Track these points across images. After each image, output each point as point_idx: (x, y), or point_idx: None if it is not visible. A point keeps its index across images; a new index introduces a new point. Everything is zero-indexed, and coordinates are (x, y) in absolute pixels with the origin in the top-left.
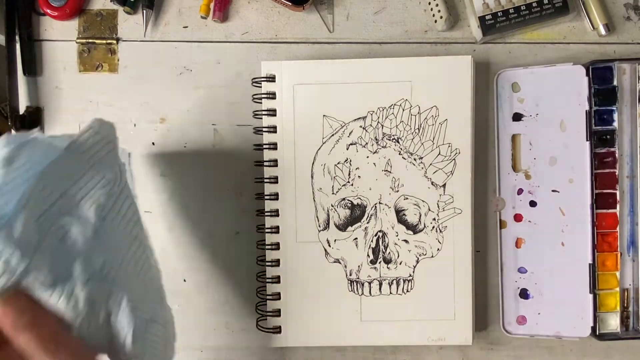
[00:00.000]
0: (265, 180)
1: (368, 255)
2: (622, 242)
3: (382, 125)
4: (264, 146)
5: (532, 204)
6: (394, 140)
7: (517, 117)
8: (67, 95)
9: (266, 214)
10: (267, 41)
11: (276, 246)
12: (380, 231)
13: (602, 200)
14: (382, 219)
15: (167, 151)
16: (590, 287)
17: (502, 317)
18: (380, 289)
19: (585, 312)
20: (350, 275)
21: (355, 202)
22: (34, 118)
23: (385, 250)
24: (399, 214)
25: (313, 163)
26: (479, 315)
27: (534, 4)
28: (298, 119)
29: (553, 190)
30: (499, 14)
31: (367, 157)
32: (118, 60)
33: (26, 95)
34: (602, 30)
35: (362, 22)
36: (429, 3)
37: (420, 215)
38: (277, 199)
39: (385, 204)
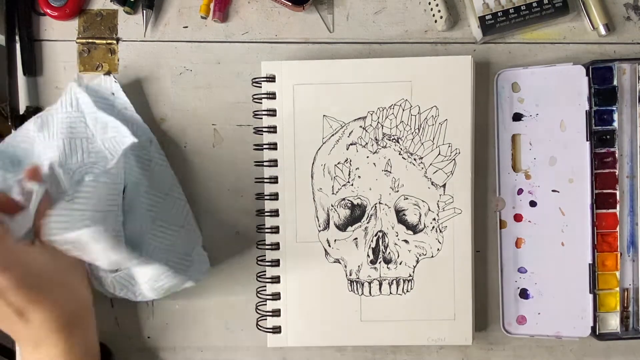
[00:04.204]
0: (265, 180)
1: (368, 255)
2: (622, 242)
3: (382, 126)
4: (264, 146)
5: (532, 204)
6: (394, 140)
7: (517, 117)
8: None
9: (266, 214)
10: (267, 41)
11: (276, 246)
12: (380, 231)
13: (602, 200)
14: (382, 219)
15: (167, 151)
16: (590, 287)
17: (502, 317)
18: (380, 289)
19: (585, 312)
20: (350, 275)
21: (355, 202)
22: None
23: (385, 250)
24: (399, 214)
25: (313, 163)
26: (479, 315)
27: (534, 4)
28: (298, 119)
29: (553, 190)
30: (499, 14)
31: (367, 157)
32: (118, 60)
33: (26, 95)
34: (602, 30)
35: (362, 22)
36: (429, 3)
37: (420, 215)
38: (277, 199)
39: (385, 204)
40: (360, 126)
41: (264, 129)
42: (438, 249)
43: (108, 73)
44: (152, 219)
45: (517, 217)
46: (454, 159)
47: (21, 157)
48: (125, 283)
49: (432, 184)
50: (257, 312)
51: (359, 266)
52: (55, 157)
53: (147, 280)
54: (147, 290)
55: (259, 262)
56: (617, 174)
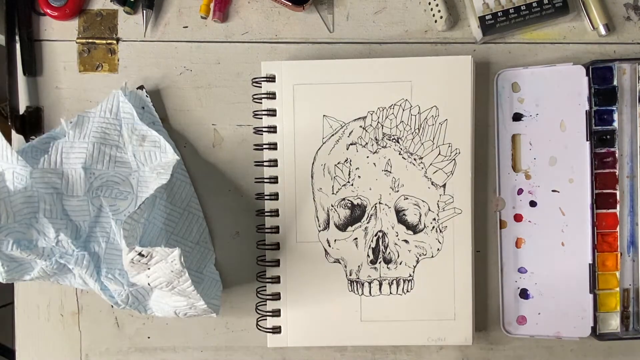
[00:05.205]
0: (265, 180)
1: (368, 255)
2: (622, 242)
3: (382, 125)
4: (264, 146)
5: (532, 204)
6: (394, 140)
7: (517, 117)
8: (67, 95)
9: (266, 214)
10: (267, 41)
11: (276, 246)
12: (380, 231)
13: (602, 200)
14: (382, 219)
15: None
16: (590, 287)
17: (502, 317)
18: (380, 289)
19: (585, 312)
20: (350, 275)
21: (355, 202)
22: (34, 118)
23: (385, 250)
24: (399, 214)
25: (313, 163)
26: (479, 315)
27: (534, 4)
28: (298, 119)
29: (553, 190)
30: (499, 14)
31: (367, 157)
32: (118, 60)
33: (26, 95)
34: (602, 30)
35: (362, 22)
36: (429, 3)
37: (420, 215)
38: (277, 199)
39: (385, 204)
40: (360, 126)
41: (264, 129)
42: (438, 249)
43: (141, 87)
44: (168, 233)
45: (517, 217)
46: (454, 159)
47: (44, 153)
48: (139, 298)
49: (432, 184)
50: (257, 312)
51: (359, 266)
52: (82, 159)
53: (176, 306)
54: (166, 311)
55: (259, 262)
56: (617, 174)
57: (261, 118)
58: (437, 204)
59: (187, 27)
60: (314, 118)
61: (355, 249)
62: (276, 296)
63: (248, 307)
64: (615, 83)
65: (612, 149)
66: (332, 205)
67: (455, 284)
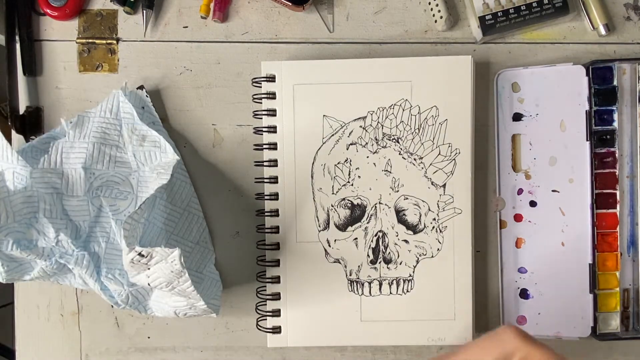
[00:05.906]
0: (265, 180)
1: (368, 255)
2: (622, 242)
3: (382, 125)
4: (264, 146)
5: (532, 204)
6: (394, 140)
7: (517, 117)
8: (67, 95)
9: (266, 214)
10: (267, 41)
11: (276, 246)
12: (380, 231)
13: (602, 200)
14: (382, 219)
15: None
16: (590, 287)
17: (502, 317)
18: (380, 289)
19: (585, 312)
20: (350, 275)
21: (355, 202)
22: (34, 118)
23: (385, 250)
24: (399, 214)
25: (313, 163)
26: (479, 315)
27: (534, 4)
28: (298, 119)
29: (553, 190)
30: (499, 14)
31: (367, 157)
32: (118, 60)
33: (26, 95)
34: (602, 30)
35: (362, 22)
36: (429, 3)
37: (420, 215)
38: (277, 199)
39: (385, 204)
40: (360, 126)
41: (264, 129)
42: (438, 249)
43: (141, 87)
44: (168, 233)
45: (517, 217)
46: (454, 159)
47: (44, 153)
48: (139, 298)
49: (432, 184)
50: (257, 312)
51: (359, 266)
52: (82, 159)
53: (176, 306)
54: (166, 311)
55: (259, 262)
56: (617, 174)
57: (261, 118)
58: (437, 204)
59: (187, 27)
60: (314, 118)
61: (355, 249)
62: (276, 296)
63: (248, 307)
64: (615, 83)
65: (612, 149)
66: (332, 205)
67: (455, 284)
